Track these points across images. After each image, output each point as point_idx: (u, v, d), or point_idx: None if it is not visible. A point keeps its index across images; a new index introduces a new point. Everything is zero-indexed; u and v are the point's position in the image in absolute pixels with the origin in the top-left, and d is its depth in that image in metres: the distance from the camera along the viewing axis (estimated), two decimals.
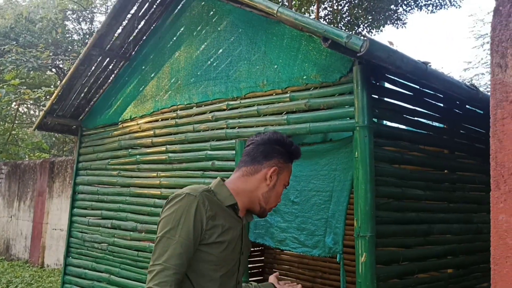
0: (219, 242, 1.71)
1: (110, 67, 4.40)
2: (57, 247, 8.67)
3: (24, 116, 18.46)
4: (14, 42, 12.67)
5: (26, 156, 16.77)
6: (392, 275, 2.60)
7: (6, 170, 10.74)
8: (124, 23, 4.15)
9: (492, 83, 1.75)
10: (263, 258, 5.89)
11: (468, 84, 2.85)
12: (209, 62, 3.58)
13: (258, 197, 1.87)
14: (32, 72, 12.72)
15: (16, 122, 16.32)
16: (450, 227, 3.04)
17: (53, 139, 17.14)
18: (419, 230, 2.82)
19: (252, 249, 5.67)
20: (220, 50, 3.50)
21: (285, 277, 5.67)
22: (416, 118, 2.94)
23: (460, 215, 3.11)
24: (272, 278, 2.21)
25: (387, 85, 2.91)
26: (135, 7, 4.08)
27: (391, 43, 2.75)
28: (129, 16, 4.13)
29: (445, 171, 3.13)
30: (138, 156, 4.02)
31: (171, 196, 1.73)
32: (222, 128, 3.34)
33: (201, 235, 1.68)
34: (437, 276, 2.94)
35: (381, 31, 13.70)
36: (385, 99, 2.76)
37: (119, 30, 4.17)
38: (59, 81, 14.77)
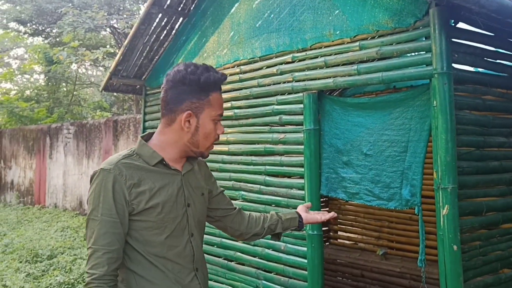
0: (151, 207, 1.65)
1: (170, 24, 4.38)
2: None
3: (83, 77, 19.09)
4: (70, 4, 12.91)
5: (89, 116, 17.46)
6: (475, 226, 2.52)
7: (73, 130, 11.24)
8: None
9: None
10: (327, 209, 5.90)
11: None
12: (270, 13, 3.47)
13: (186, 145, 1.74)
14: (88, 33, 12.99)
15: (77, 83, 16.92)
16: None
17: (112, 97, 17.67)
18: (503, 179, 2.70)
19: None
20: None
21: (351, 227, 5.68)
22: (498, 61, 2.74)
23: None
24: (301, 208, 2.14)
25: (466, 26, 2.72)
26: None
27: None
28: None
29: None
30: None
31: (91, 174, 1.68)
32: (288, 82, 3.26)
33: (128, 207, 1.62)
34: None
35: None
36: (465, 42, 2.58)
37: None
38: (113, 41, 15.01)
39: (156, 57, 4.63)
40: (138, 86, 4.91)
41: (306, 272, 3.05)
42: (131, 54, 4.53)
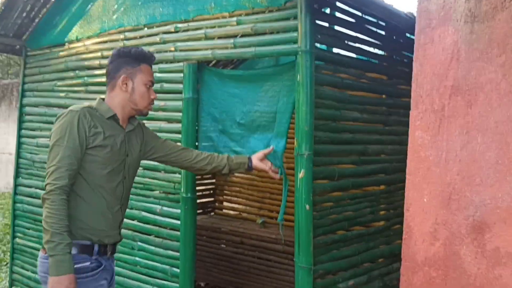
0: (102, 146, 2.22)
1: None
2: (6, 171, 8.62)
3: None
4: None
5: None
6: (327, 189, 2.85)
7: None
8: None
9: (418, 10, 1.90)
10: (214, 180, 6.11)
11: (406, 12, 3.00)
12: None
13: (127, 104, 2.35)
14: None
15: None
16: (384, 148, 3.29)
17: None
18: (355, 149, 3.05)
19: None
20: None
21: (236, 198, 5.95)
22: (357, 45, 3.08)
23: (394, 137, 3.36)
24: (259, 154, 2.75)
25: (331, 11, 3.02)
26: None
27: None
28: None
29: (383, 96, 3.34)
30: (86, 78, 4.00)
31: (59, 114, 2.23)
32: (171, 51, 3.37)
33: (86, 141, 2.17)
34: (370, 191, 3.23)
35: None
36: (328, 25, 2.88)
37: None
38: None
39: (38, 17, 4.46)
40: (18, 46, 4.69)
41: (179, 233, 3.23)
42: (10, 11, 4.32)
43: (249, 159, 2.71)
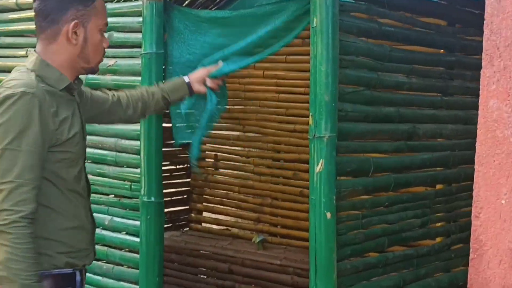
0: (72, 137, 2.18)
1: None
2: None
3: None
4: None
5: None
6: (358, 190, 2.85)
7: None
8: None
9: None
10: (189, 180, 6.06)
11: None
12: None
13: (77, 62, 2.26)
14: None
15: None
16: (442, 128, 3.28)
17: None
18: (399, 130, 3.05)
19: (174, 167, 5.80)
20: None
21: (221, 206, 5.92)
22: None
23: (457, 112, 3.36)
24: (200, 75, 2.90)
25: None
26: None
27: None
28: None
29: (441, 50, 3.34)
30: None
31: (1, 96, 2.03)
32: None
33: (52, 138, 2.10)
34: (421, 193, 3.25)
35: None
36: None
37: None
38: None
39: None
40: None
41: (138, 256, 3.25)
42: None
43: (189, 85, 2.87)
